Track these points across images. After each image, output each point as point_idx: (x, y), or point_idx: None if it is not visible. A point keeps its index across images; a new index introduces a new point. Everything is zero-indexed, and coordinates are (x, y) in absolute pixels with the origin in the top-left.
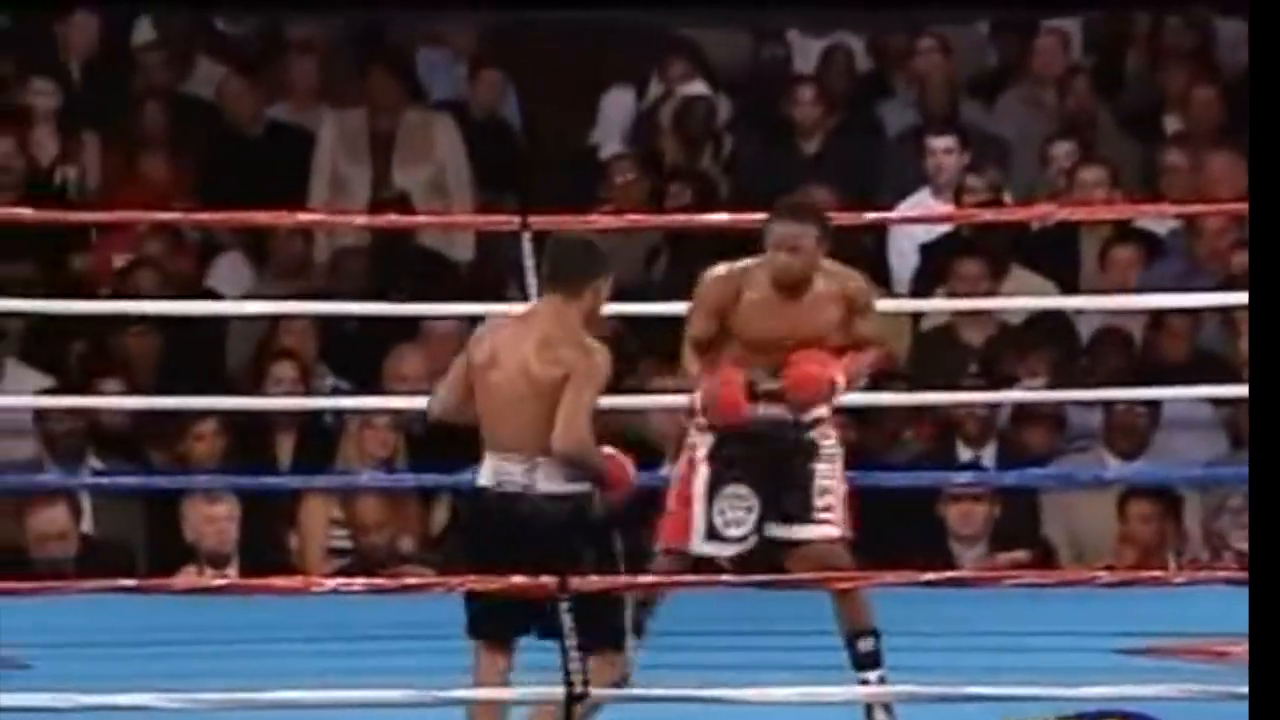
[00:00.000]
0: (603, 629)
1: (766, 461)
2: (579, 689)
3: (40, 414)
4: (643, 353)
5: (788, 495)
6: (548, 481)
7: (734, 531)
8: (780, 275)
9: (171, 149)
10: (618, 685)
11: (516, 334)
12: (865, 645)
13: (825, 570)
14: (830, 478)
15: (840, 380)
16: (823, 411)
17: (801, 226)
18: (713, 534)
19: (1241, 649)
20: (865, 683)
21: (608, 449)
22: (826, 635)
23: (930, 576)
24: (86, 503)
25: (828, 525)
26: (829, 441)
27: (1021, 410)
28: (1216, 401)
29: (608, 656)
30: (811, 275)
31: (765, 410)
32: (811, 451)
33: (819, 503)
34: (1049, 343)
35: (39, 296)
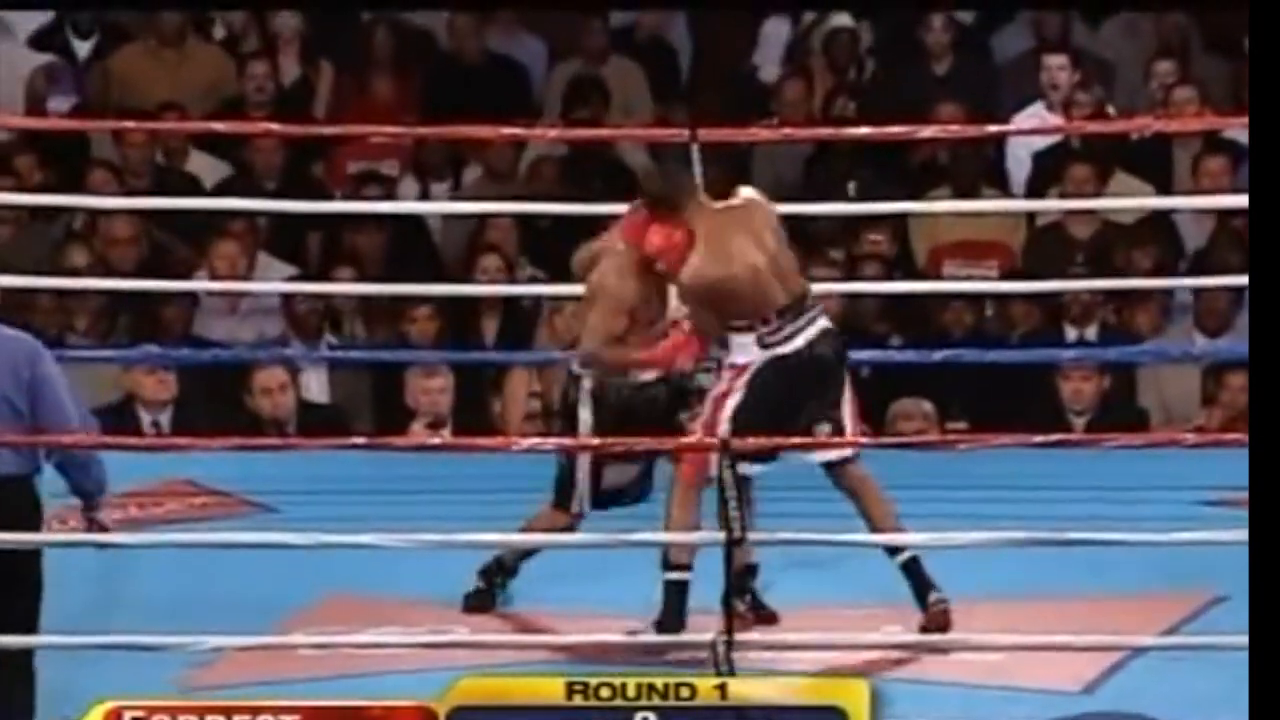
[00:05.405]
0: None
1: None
2: (737, 534)
3: (286, 298)
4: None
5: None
6: None
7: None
8: None
9: (397, 72)
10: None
11: None
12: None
13: None
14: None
15: None
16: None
17: None
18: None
19: None
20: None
21: None
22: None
23: (1040, 439)
24: (324, 373)
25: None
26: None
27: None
28: None
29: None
30: None
31: None
32: None
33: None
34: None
35: (285, 198)
